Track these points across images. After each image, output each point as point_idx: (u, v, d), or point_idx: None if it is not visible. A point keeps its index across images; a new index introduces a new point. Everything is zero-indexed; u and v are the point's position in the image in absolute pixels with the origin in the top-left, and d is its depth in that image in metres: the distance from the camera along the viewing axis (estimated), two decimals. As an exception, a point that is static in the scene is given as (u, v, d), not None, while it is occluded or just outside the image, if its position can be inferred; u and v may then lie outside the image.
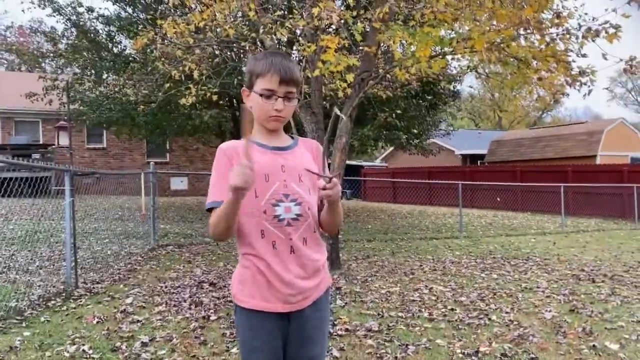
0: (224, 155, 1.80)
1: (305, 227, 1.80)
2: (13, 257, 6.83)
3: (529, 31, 6.14)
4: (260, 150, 1.80)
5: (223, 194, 1.70)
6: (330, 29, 7.96)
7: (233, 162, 1.75)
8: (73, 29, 13.69)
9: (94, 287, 5.53)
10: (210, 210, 1.76)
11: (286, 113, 1.81)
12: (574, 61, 6.14)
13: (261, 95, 1.78)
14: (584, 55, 6.14)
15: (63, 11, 13.10)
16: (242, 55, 10.72)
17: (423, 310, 4.95)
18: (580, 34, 5.97)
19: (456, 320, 4.60)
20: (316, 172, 1.78)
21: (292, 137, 1.93)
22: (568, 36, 6.05)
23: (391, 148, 28.13)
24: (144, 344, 3.77)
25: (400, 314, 4.78)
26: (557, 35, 6.11)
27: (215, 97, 7.15)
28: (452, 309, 4.99)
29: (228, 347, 3.78)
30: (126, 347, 3.70)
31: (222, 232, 1.73)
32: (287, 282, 1.75)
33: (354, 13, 6.16)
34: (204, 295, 5.33)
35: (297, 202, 1.79)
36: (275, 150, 1.83)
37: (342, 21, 6.04)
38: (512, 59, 6.04)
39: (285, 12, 8.67)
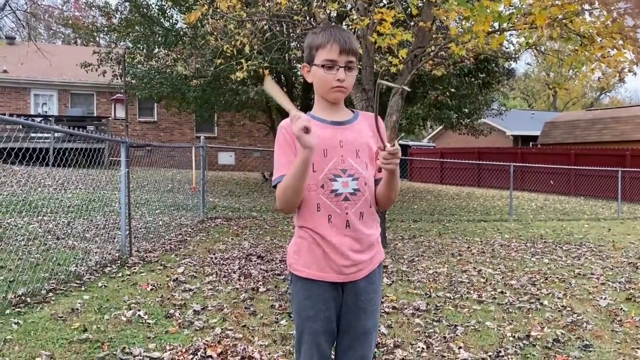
0: (285, 131, 1.81)
1: (363, 202, 1.81)
2: (71, 224, 7.11)
3: (594, 6, 5.84)
4: (319, 124, 1.80)
5: (288, 169, 1.72)
6: (384, 1, 7.79)
7: (294, 137, 1.75)
8: (126, 4, 13.94)
9: (146, 256, 5.70)
10: (276, 187, 1.78)
11: (348, 83, 1.80)
12: (642, 38, 5.82)
13: (323, 66, 1.78)
14: (653, 32, 5.80)
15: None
16: (291, 31, 10.67)
17: (472, 291, 4.87)
18: (650, 9, 5.63)
19: (506, 304, 4.51)
20: (379, 134, 1.75)
21: (353, 111, 1.91)
22: (637, 11, 5.71)
23: (440, 127, 27.65)
24: (196, 312, 3.88)
25: (448, 295, 4.73)
26: (625, 10, 5.78)
27: (266, 72, 7.15)
28: (501, 292, 4.89)
29: (277, 318, 3.84)
30: (179, 314, 3.81)
31: (290, 199, 1.74)
32: (342, 253, 1.77)
33: (409, -13, 6.01)
34: (252, 267, 5.42)
35: (354, 177, 1.79)
36: (334, 124, 1.83)
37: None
38: (575, 35, 5.77)
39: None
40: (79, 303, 3.88)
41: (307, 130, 1.58)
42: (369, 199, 1.83)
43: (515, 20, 5.65)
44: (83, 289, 4.32)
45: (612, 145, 20.21)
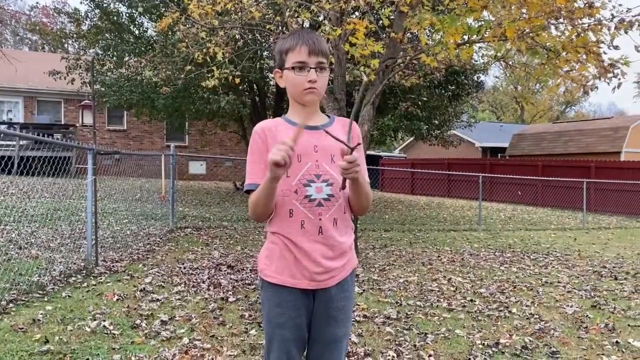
0: (258, 136, 1.81)
1: (337, 207, 1.80)
2: (35, 233, 6.91)
3: (560, 21, 6.00)
4: (293, 129, 1.77)
5: (260, 175, 1.72)
6: (356, 14, 7.85)
7: (268, 141, 1.76)
8: (96, 11, 13.73)
9: (113, 266, 5.57)
10: (248, 192, 1.78)
11: (320, 84, 1.80)
12: (605, 53, 5.99)
13: (293, 68, 1.77)
14: (615, 47, 5.98)
15: (86, -8, 13.16)
16: (263, 40, 10.66)
17: (442, 300, 4.90)
18: (612, 25, 5.81)
19: (475, 312, 4.55)
20: (339, 139, 1.72)
21: (329, 117, 1.90)
22: (600, 27, 5.89)
23: (410, 139, 27.96)
24: (163, 322, 3.79)
25: (418, 303, 4.74)
26: (589, 25, 5.95)
27: (237, 80, 7.11)
28: (471, 300, 4.93)
29: (247, 328, 3.78)
30: (146, 324, 3.72)
31: (261, 212, 1.75)
32: (313, 260, 1.76)
33: (381, -1, 6.07)
34: (222, 277, 5.34)
35: (329, 183, 1.78)
36: (308, 129, 1.81)
37: (368, 6, 5.95)
38: (541, 49, 5.90)
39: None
40: (41, 314, 3.75)
41: (279, 164, 1.55)
42: (343, 205, 1.81)
43: (484, 33, 5.76)
44: (46, 299, 4.18)
45: (577, 157, 20.75)
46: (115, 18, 13.34)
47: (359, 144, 1.71)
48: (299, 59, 1.77)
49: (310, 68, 1.77)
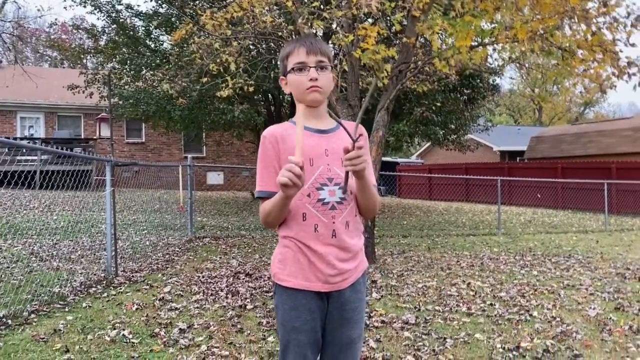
0: (268, 141, 1.81)
1: (349, 210, 1.80)
2: (56, 246, 7.02)
3: (573, 20, 5.94)
4: (305, 133, 1.78)
5: (270, 182, 1.74)
6: (369, 20, 7.87)
7: (279, 147, 1.78)
8: (113, 26, 13.98)
9: (133, 276, 5.63)
10: (260, 198, 1.80)
11: (322, 83, 1.80)
12: (621, 51, 5.92)
13: (294, 69, 1.80)
14: (632, 45, 5.91)
15: (103, 8, 13.40)
16: (277, 49, 10.73)
17: (461, 304, 4.85)
18: (629, 22, 5.74)
19: (495, 316, 4.49)
20: (346, 128, 1.73)
21: (337, 121, 1.91)
22: (615, 25, 5.82)
23: (427, 144, 27.84)
24: (182, 331, 3.81)
25: (437, 308, 4.70)
26: (604, 24, 5.88)
27: (251, 89, 7.17)
28: (491, 304, 4.88)
29: (264, 335, 3.79)
30: (165, 333, 3.75)
31: (272, 222, 1.78)
32: (327, 262, 1.75)
33: (392, 4, 6.08)
34: (240, 285, 5.36)
35: (341, 186, 1.78)
36: (319, 132, 1.82)
37: (380, 12, 5.96)
38: (556, 49, 5.85)
39: (322, 4, 8.63)
40: (62, 324, 3.80)
41: (286, 185, 1.56)
42: (354, 208, 1.82)
43: (498, 35, 5.73)
44: (67, 309, 4.24)
45: (597, 159, 20.43)
46: (131, 32, 13.57)
47: (360, 135, 1.71)
48: (298, 59, 1.80)
49: (310, 67, 1.79)
